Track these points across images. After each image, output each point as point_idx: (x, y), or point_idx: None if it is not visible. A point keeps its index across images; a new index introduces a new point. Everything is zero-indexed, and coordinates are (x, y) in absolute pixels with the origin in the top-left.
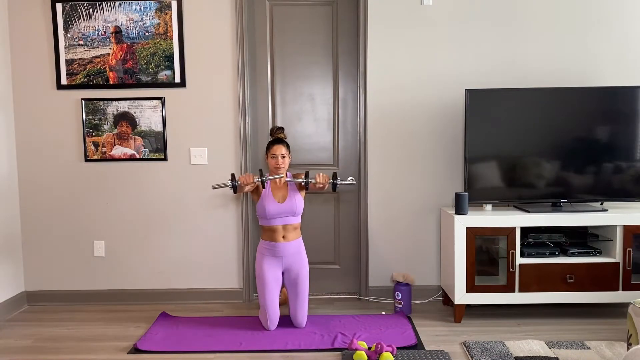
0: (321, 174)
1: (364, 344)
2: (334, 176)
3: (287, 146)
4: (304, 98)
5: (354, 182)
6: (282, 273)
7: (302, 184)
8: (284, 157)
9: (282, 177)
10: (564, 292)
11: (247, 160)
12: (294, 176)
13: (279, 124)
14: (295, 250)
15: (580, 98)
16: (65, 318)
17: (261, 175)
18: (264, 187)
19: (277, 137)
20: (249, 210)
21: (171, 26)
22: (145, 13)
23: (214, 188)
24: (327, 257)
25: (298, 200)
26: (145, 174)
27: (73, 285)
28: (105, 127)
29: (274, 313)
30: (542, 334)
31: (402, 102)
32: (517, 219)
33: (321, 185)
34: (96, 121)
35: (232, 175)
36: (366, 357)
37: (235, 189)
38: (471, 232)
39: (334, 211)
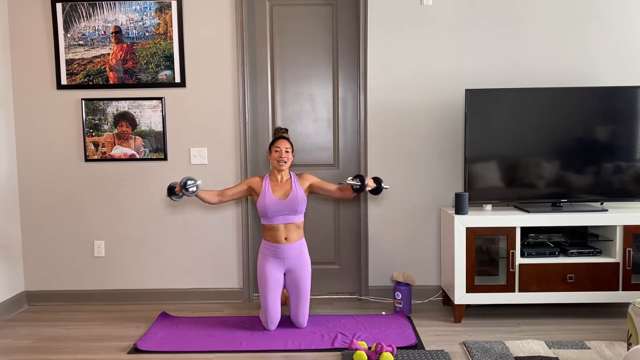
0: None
1: (364, 344)
2: (377, 181)
3: (291, 144)
4: (304, 98)
5: (387, 187)
6: (284, 274)
7: (356, 187)
8: (287, 151)
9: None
10: (564, 292)
11: (247, 160)
12: (298, 176)
13: (279, 124)
14: (297, 252)
15: (580, 98)
16: (65, 318)
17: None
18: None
19: (282, 135)
20: (249, 210)
21: (171, 26)
22: (145, 13)
23: None
24: (327, 257)
25: (300, 197)
26: (145, 174)
27: (73, 285)
28: (105, 127)
29: (274, 314)
30: (542, 334)
31: (402, 102)
32: (517, 219)
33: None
34: (96, 121)
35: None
36: (366, 357)
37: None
38: (471, 232)
39: (334, 211)
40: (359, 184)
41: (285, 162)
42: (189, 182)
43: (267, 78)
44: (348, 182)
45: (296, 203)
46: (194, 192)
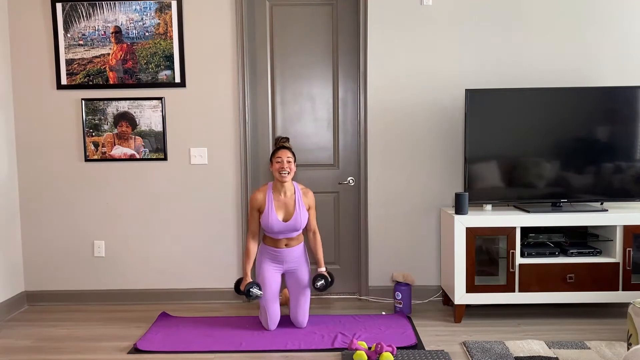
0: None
1: (364, 344)
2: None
3: (293, 154)
4: (304, 98)
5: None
6: (284, 274)
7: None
8: (289, 161)
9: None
10: (564, 292)
11: (247, 161)
12: (303, 194)
13: (279, 124)
14: (297, 255)
15: (580, 98)
16: (65, 318)
17: (249, 290)
18: (249, 297)
19: (283, 145)
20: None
21: (171, 26)
22: (145, 13)
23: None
24: (327, 257)
25: (303, 217)
26: (145, 174)
27: (73, 285)
28: (105, 127)
29: (274, 313)
30: (542, 334)
31: (402, 102)
32: (517, 219)
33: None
34: (96, 121)
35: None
36: (366, 357)
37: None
38: (471, 232)
39: (334, 211)
40: (323, 282)
41: (288, 173)
42: (252, 292)
43: (267, 78)
44: (317, 285)
45: (299, 225)
46: (258, 296)
